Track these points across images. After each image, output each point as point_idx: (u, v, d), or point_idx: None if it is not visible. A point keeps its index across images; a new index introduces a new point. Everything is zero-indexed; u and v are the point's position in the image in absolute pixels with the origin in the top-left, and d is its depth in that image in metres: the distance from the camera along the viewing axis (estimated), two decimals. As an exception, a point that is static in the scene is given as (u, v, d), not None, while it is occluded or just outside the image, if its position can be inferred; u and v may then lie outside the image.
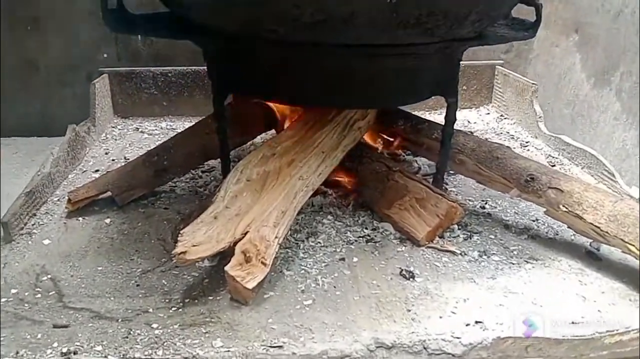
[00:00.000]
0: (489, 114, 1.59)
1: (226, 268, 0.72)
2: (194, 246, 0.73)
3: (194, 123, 1.10)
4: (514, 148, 1.33)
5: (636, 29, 1.25)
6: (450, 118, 0.95)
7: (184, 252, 0.72)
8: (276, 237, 0.78)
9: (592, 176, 1.19)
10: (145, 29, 0.91)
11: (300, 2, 0.70)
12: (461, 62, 0.94)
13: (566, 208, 0.86)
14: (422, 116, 1.12)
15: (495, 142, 0.99)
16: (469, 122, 1.52)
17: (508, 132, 1.45)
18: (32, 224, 0.94)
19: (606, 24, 1.40)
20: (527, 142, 1.37)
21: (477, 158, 0.97)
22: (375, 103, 0.93)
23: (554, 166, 1.25)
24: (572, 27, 1.55)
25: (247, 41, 0.80)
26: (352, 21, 0.72)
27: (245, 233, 0.78)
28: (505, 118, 1.55)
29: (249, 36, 0.79)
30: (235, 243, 0.76)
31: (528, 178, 0.90)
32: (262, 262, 0.74)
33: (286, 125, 1.06)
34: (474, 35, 0.89)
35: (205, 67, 1.41)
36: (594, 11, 1.45)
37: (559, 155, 1.30)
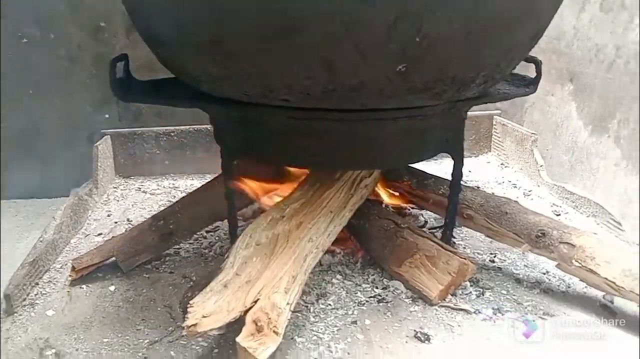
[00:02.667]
0: (489, 162, 1.60)
1: (237, 339, 0.70)
2: (204, 316, 0.72)
3: (200, 185, 1.10)
4: (517, 197, 1.34)
5: (630, 78, 1.27)
6: (457, 175, 0.96)
7: (194, 325, 0.70)
8: (288, 304, 0.77)
9: (597, 224, 1.19)
10: (153, 97, 0.91)
11: (311, 74, 0.71)
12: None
13: (579, 263, 0.85)
14: (426, 171, 1.12)
15: (503, 197, 0.99)
16: (470, 171, 1.53)
17: (510, 181, 1.45)
18: (35, 294, 0.92)
19: (600, 73, 1.43)
20: (529, 191, 1.38)
21: (485, 213, 0.97)
22: (384, 163, 0.93)
23: (558, 215, 1.25)
24: (566, 77, 1.58)
25: (257, 109, 0.81)
26: (361, 89, 0.73)
27: (256, 301, 0.76)
28: (506, 167, 1.56)
29: (259, 104, 0.80)
30: (246, 312, 0.74)
31: (539, 233, 0.89)
32: (274, 331, 0.72)
33: (293, 185, 1.06)
34: (479, 95, 0.90)
35: (208, 126, 1.44)
36: (588, 61, 1.49)
37: (562, 204, 1.30)
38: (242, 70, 0.74)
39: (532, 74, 1.01)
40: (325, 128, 0.84)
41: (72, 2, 1.45)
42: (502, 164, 1.58)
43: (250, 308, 0.75)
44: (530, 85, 1.04)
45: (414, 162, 0.95)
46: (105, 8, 1.48)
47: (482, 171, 1.54)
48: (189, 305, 0.73)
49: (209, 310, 0.72)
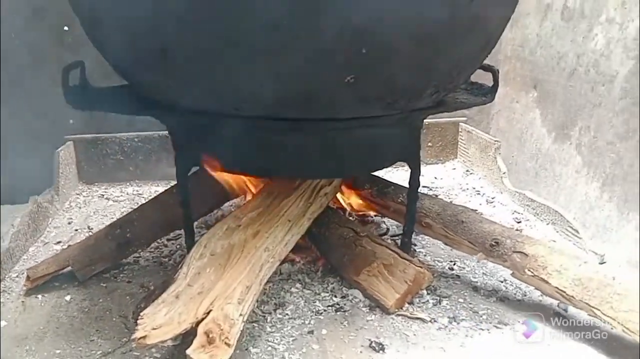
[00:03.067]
0: (455, 169, 1.62)
1: (188, 351, 0.70)
2: (154, 329, 0.71)
3: (157, 193, 1.09)
4: (480, 204, 1.36)
5: (590, 86, 1.30)
6: (414, 183, 0.97)
7: (143, 337, 0.69)
8: (240, 314, 0.76)
9: (557, 231, 1.21)
10: (106, 105, 0.91)
11: (261, 83, 0.71)
12: (425, 120, 0.96)
13: (531, 272, 0.87)
14: (393, 177, 1.13)
15: (460, 206, 1.00)
16: (435, 178, 1.55)
17: (474, 188, 1.47)
18: (-12, 305, 0.90)
19: (562, 81, 1.46)
20: (492, 198, 1.40)
21: (442, 222, 0.98)
22: (340, 173, 0.94)
23: (519, 222, 1.27)
24: (530, 84, 1.61)
25: (210, 117, 0.81)
26: (312, 99, 0.74)
27: (209, 312, 0.76)
28: (471, 173, 1.58)
29: (213, 113, 0.79)
30: (198, 323, 0.74)
31: (493, 242, 0.91)
32: (226, 343, 0.72)
33: (250, 194, 1.06)
34: (434, 104, 0.91)
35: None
36: (550, 69, 1.52)
37: (524, 211, 1.33)
38: (191, 79, 0.74)
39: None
40: (280, 137, 0.84)
41: (36, 5, 1.43)
42: (467, 170, 1.60)
43: (203, 319, 0.74)
44: (487, 94, 1.05)
45: (371, 172, 0.96)
46: (70, 11, 1.46)
47: (447, 178, 1.56)
48: (139, 317, 0.72)
49: (159, 322, 0.72)
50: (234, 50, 0.68)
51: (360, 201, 1.13)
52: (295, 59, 0.68)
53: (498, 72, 1.03)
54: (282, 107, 0.76)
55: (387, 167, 0.95)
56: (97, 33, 0.80)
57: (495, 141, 1.47)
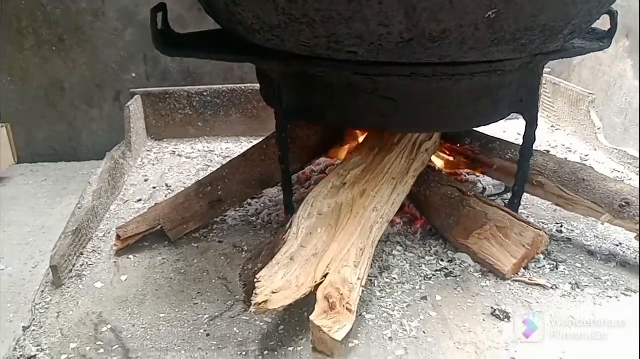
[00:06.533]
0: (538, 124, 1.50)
1: (311, 318, 0.64)
2: (274, 292, 0.66)
3: (237, 148, 1.02)
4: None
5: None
6: (530, 138, 0.88)
7: (264, 302, 0.64)
8: (359, 279, 0.71)
9: (666, 191, 1.11)
10: (200, 51, 0.83)
11: (387, 21, 0.62)
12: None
13: (669, 235, 0.78)
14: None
15: (578, 163, 0.91)
16: (519, 134, 1.44)
17: (564, 145, 1.37)
18: (81, 265, 0.86)
19: (663, 28, 1.33)
20: (586, 156, 1.30)
21: (560, 180, 0.89)
22: (456, 125, 0.85)
23: (622, 181, 1.17)
24: (622, 32, 1.47)
25: (318, 63, 0.73)
26: (443, 40, 0.65)
27: (326, 275, 0.70)
28: (557, 129, 1.47)
29: (322, 58, 0.71)
30: (316, 287, 0.69)
31: (623, 203, 0.82)
32: (348, 309, 0.66)
33: (345, 151, 0.99)
34: (557, 50, 0.81)
35: (242, 85, 1.35)
36: (649, 15, 1.38)
37: (624, 169, 1.22)
38: (305, 17, 0.66)
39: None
40: (395, 85, 0.76)
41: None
42: (552, 126, 1.49)
43: (320, 283, 0.69)
44: (603, 39, 0.95)
45: (487, 124, 0.87)
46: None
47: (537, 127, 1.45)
48: (255, 279, 0.67)
49: (278, 285, 0.67)
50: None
51: (457, 159, 1.05)
52: (435, -10, 0.59)
53: (617, 14, 0.92)
54: (405, 49, 0.67)
55: (502, 119, 0.86)
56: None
57: (590, 93, 1.35)
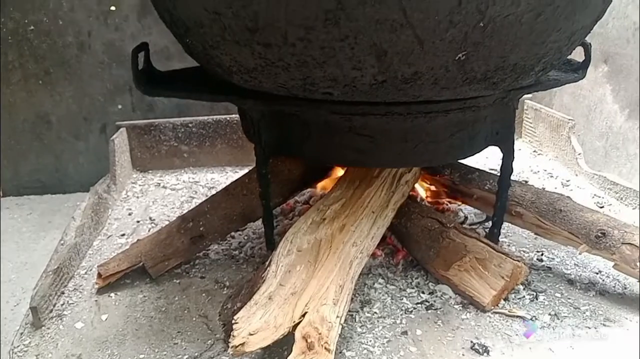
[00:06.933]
0: (520, 149, 1.53)
1: (289, 359, 0.65)
2: (251, 334, 0.66)
3: (223, 180, 1.03)
4: (555, 188, 1.28)
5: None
6: (507, 169, 0.89)
7: (242, 344, 0.64)
8: (337, 316, 0.71)
9: (646, 217, 1.13)
10: (180, 90, 0.84)
11: (360, 65, 0.64)
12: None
13: (645, 266, 0.79)
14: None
15: (555, 193, 0.93)
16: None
17: (545, 170, 1.38)
18: (62, 305, 0.86)
19: (638, 54, 1.36)
20: (568, 181, 1.31)
21: (537, 211, 0.90)
22: (433, 160, 0.87)
23: (602, 207, 1.19)
24: (600, 58, 1.50)
25: (295, 103, 0.74)
26: (415, 81, 0.67)
27: (304, 314, 0.70)
28: (539, 154, 1.49)
29: (299, 98, 0.73)
30: (295, 327, 0.69)
31: (599, 234, 0.83)
32: (326, 348, 0.67)
33: (327, 182, 0.99)
34: (532, 83, 0.83)
35: (227, 116, 1.37)
36: (625, 42, 1.41)
37: (605, 195, 1.24)
38: (280, 61, 0.67)
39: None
40: (370, 123, 0.77)
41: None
42: (534, 151, 1.51)
43: (299, 322, 0.69)
44: (578, 70, 0.97)
45: (463, 158, 0.89)
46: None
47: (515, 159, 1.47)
48: (233, 321, 0.67)
49: (255, 326, 0.67)
50: (333, 26, 0.61)
51: (438, 189, 1.06)
52: (405, 35, 0.60)
53: (590, 46, 0.95)
54: (379, 90, 0.68)
55: (479, 151, 0.88)
56: (170, 5, 0.73)
57: (569, 119, 1.38)
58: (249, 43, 0.66)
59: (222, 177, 1.36)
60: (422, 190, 1.10)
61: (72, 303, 0.87)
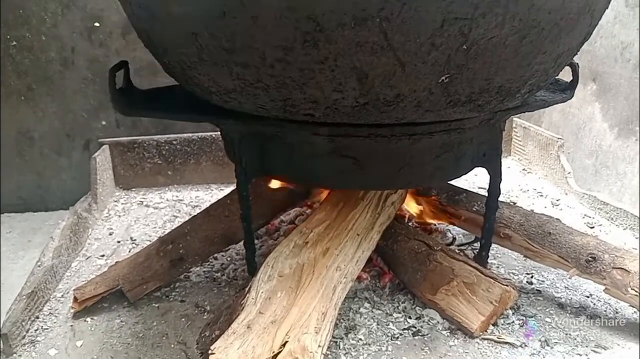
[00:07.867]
0: (509, 167, 1.51)
1: (268, 392, 0.62)
2: (228, 365, 0.63)
3: (207, 198, 1.01)
4: (545, 207, 1.26)
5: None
6: (495, 191, 0.88)
7: (218, 377, 0.62)
8: (320, 346, 0.68)
9: (636, 238, 1.11)
10: (158, 110, 0.82)
11: (341, 87, 0.62)
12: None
13: (635, 291, 0.77)
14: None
15: (544, 215, 0.91)
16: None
17: (535, 189, 1.37)
18: (35, 330, 0.83)
19: (627, 73, 1.36)
20: (557, 200, 1.30)
21: (526, 234, 0.88)
22: (417, 182, 0.85)
23: (592, 227, 1.17)
24: (589, 76, 1.50)
25: (276, 124, 0.72)
26: (397, 103, 0.65)
27: (285, 343, 0.68)
28: (528, 173, 1.48)
29: (280, 119, 0.71)
30: (274, 357, 0.66)
31: (589, 258, 0.81)
32: (307, 379, 0.64)
33: (311, 203, 0.97)
34: (519, 104, 0.82)
35: (212, 133, 1.35)
36: (613, 60, 1.41)
37: (595, 214, 1.23)
38: (259, 82, 0.65)
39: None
40: (354, 145, 0.75)
41: (63, 1, 1.35)
42: (524, 169, 1.50)
43: (279, 352, 0.66)
44: (566, 90, 0.96)
45: (450, 179, 0.87)
46: (99, 7, 1.39)
47: (504, 177, 1.45)
48: (210, 351, 0.65)
49: (233, 357, 0.64)
50: (313, 48, 0.59)
51: (425, 209, 1.04)
52: (386, 58, 0.59)
53: (578, 66, 0.94)
54: (361, 112, 0.67)
55: (465, 173, 0.86)
56: (148, 27, 0.71)
57: (558, 138, 1.37)
58: (227, 64, 0.64)
59: (207, 195, 1.33)
60: (411, 208, 1.08)
61: (47, 328, 0.84)
